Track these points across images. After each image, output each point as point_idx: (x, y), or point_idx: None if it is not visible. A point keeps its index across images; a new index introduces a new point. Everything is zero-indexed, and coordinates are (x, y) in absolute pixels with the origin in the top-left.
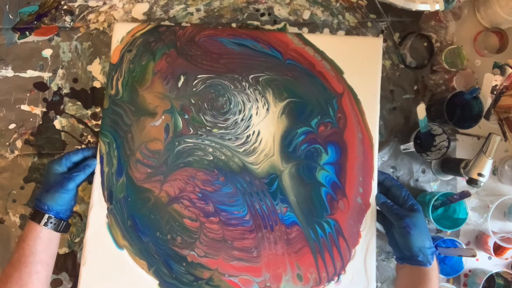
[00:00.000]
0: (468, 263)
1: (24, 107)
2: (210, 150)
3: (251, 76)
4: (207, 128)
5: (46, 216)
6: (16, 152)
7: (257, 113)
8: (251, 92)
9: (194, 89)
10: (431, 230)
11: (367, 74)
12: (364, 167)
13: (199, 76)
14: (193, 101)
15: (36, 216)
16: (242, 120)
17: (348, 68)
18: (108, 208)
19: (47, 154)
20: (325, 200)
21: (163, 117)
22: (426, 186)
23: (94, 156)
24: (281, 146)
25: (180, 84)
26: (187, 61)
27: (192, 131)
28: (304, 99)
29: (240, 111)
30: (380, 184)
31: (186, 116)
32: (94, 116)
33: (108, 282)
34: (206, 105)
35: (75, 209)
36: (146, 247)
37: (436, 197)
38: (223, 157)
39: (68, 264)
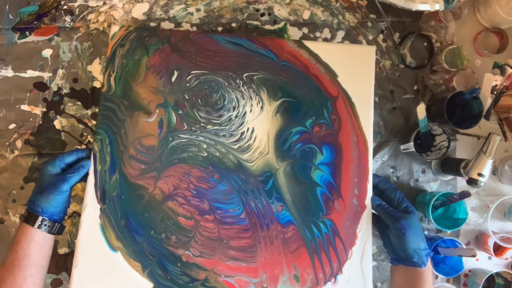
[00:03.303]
0: (468, 263)
1: (24, 107)
2: (205, 146)
3: (246, 74)
4: (201, 124)
5: (40, 218)
6: (16, 152)
7: (251, 111)
8: (245, 89)
9: (188, 84)
10: (431, 230)
11: (361, 80)
12: (360, 169)
13: (193, 72)
14: (187, 97)
15: (30, 218)
16: (236, 116)
17: (342, 72)
18: (101, 209)
19: (47, 154)
20: (320, 200)
21: (157, 111)
22: (426, 186)
23: (88, 157)
24: (275, 144)
25: (173, 79)
26: (181, 57)
27: (186, 126)
28: (299, 99)
29: (234, 108)
30: (374, 187)
31: (180, 111)
32: (94, 116)
33: (101, 285)
34: (200, 101)
35: (75, 209)
36: (141, 247)
37: (436, 197)
38: (217, 154)
39: (68, 264)
